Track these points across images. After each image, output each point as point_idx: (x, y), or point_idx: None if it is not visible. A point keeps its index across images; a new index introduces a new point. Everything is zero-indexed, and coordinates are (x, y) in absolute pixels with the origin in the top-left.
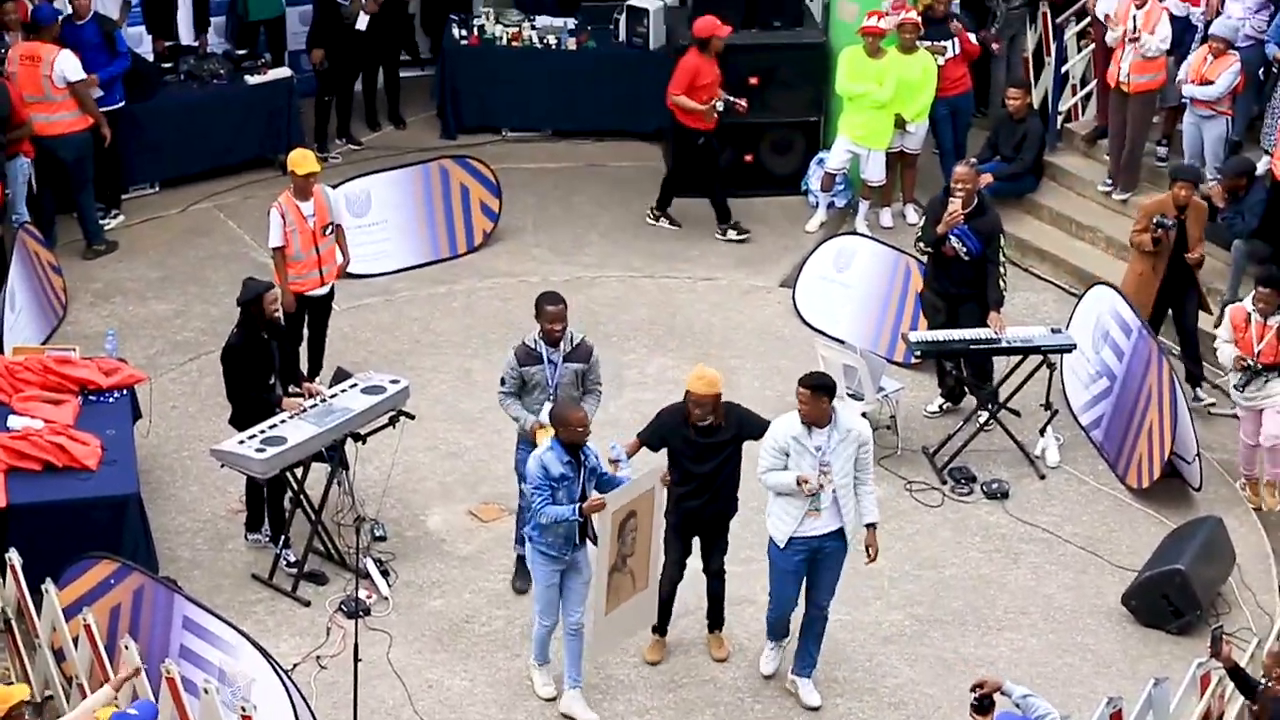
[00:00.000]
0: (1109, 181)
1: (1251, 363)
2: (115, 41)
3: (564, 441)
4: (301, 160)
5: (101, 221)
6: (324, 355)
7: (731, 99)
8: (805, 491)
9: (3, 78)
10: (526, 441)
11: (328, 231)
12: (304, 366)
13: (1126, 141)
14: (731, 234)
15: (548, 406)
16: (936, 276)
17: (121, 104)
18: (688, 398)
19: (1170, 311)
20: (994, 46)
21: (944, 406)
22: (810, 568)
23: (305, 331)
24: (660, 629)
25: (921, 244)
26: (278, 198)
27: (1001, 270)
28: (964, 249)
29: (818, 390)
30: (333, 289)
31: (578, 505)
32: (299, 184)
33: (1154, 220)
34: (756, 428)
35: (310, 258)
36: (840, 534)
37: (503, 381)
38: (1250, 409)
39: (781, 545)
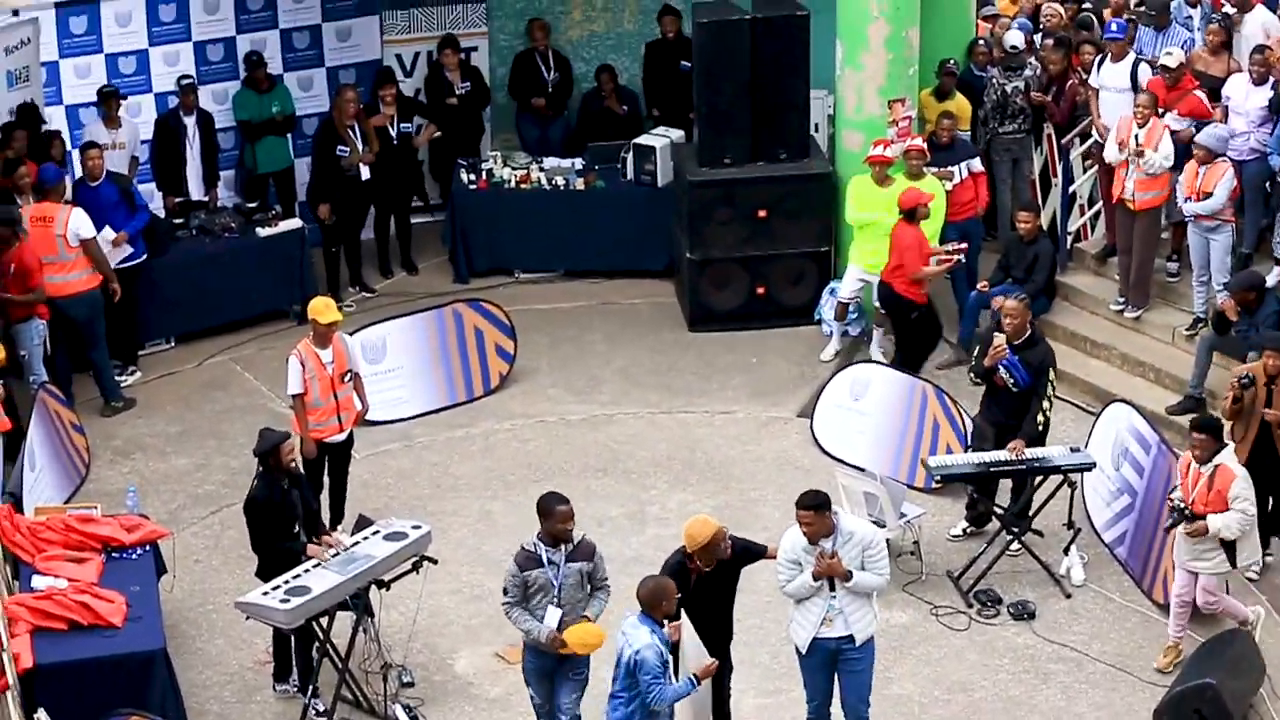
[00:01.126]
0: (1121, 299)
1: (1185, 508)
2: (133, 197)
3: (659, 619)
4: (324, 309)
5: (119, 378)
6: (345, 502)
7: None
8: (819, 567)
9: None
10: (534, 652)
11: (346, 379)
12: (325, 514)
13: (1135, 258)
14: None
15: (554, 613)
16: (987, 406)
17: (144, 258)
18: (702, 553)
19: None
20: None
21: (967, 530)
22: (838, 675)
23: (326, 479)
24: None
25: (972, 374)
26: (297, 345)
27: (1046, 405)
28: (1012, 380)
29: (820, 509)
30: (352, 435)
31: (693, 676)
32: (320, 332)
33: (1237, 379)
34: (758, 551)
35: (329, 405)
36: (853, 639)
37: (505, 591)
38: (1185, 569)
39: (804, 650)
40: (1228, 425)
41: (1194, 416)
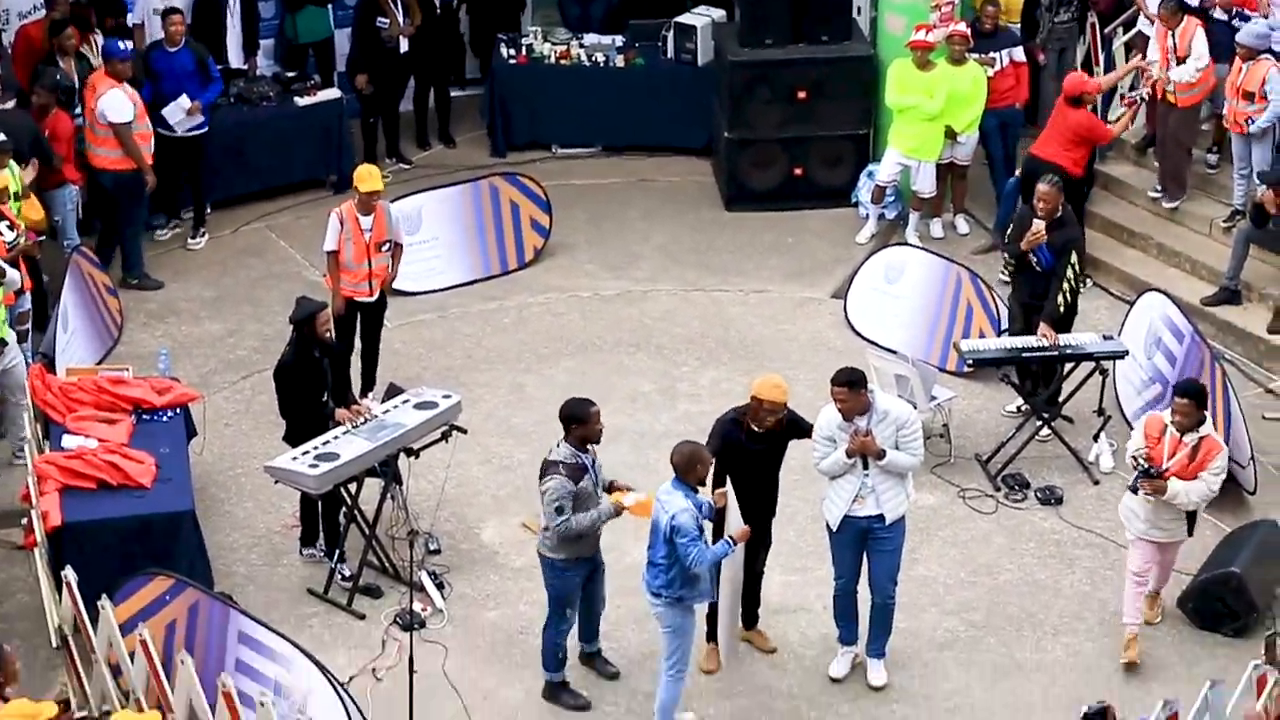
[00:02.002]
0: (1159, 189)
1: (1150, 467)
2: (208, 66)
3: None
4: (366, 176)
5: (165, 233)
6: (377, 369)
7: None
8: (853, 444)
9: (31, 112)
10: (570, 570)
11: (384, 248)
12: (356, 381)
13: (1173, 149)
14: None
15: (607, 499)
16: (1016, 286)
17: (206, 128)
18: (759, 405)
19: None
20: (1040, 57)
21: (1022, 408)
22: (867, 554)
23: (358, 342)
24: (711, 635)
25: (1005, 256)
26: (340, 205)
27: (1067, 285)
28: (1037, 261)
29: (854, 386)
30: (384, 299)
31: (730, 538)
32: (362, 199)
33: None
34: (807, 428)
35: (361, 270)
36: (883, 518)
37: (560, 510)
38: (1146, 541)
39: (835, 528)
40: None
41: (1179, 384)
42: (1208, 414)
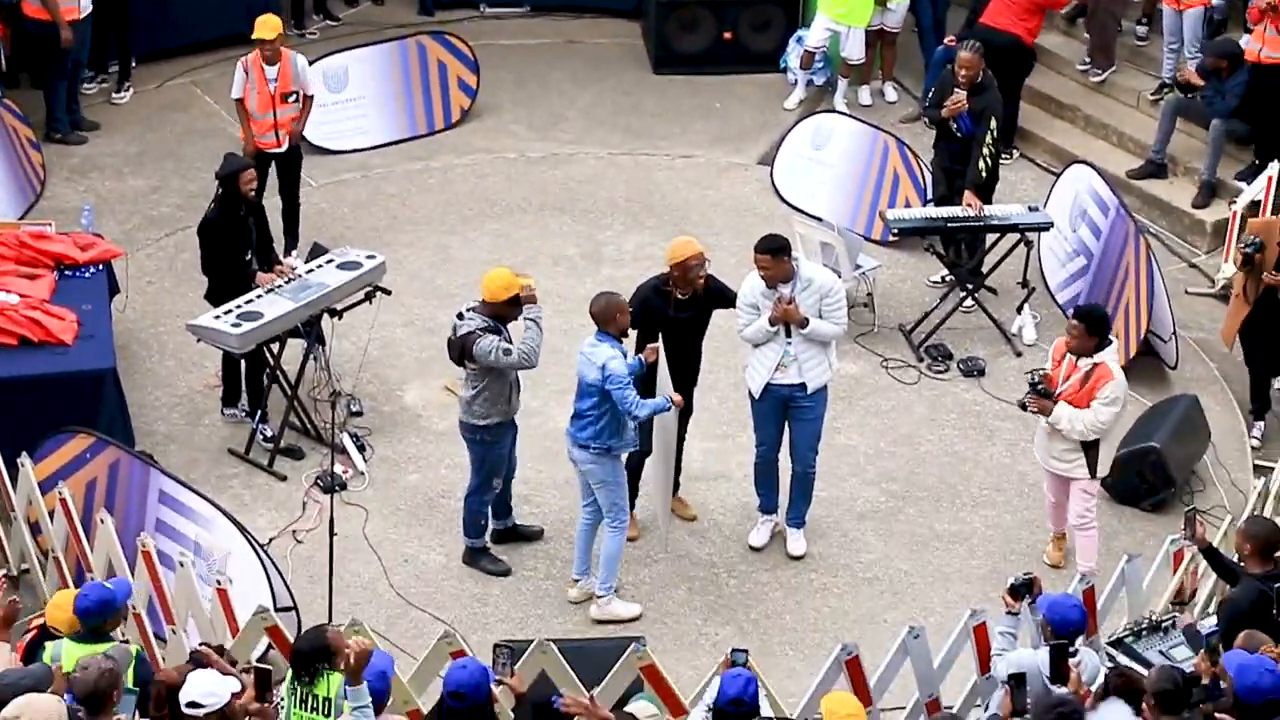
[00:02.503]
0: (1087, 60)
1: (1040, 384)
2: None
3: (616, 334)
4: (261, 25)
5: (90, 87)
6: (299, 225)
7: None
8: (775, 312)
9: None
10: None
11: (290, 99)
12: (280, 239)
13: (1101, 20)
14: None
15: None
16: (938, 150)
17: None
18: (685, 267)
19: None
20: None
21: (947, 278)
22: (789, 422)
23: (278, 200)
24: (630, 504)
25: (926, 120)
26: (248, 54)
27: (986, 151)
28: (957, 127)
29: (777, 253)
30: (297, 151)
31: (670, 396)
32: (263, 48)
33: (1244, 241)
34: (731, 297)
35: (266, 120)
36: (805, 387)
37: (507, 353)
38: (1050, 472)
39: (757, 395)
40: (1238, 285)
41: (1077, 306)
42: (1113, 340)
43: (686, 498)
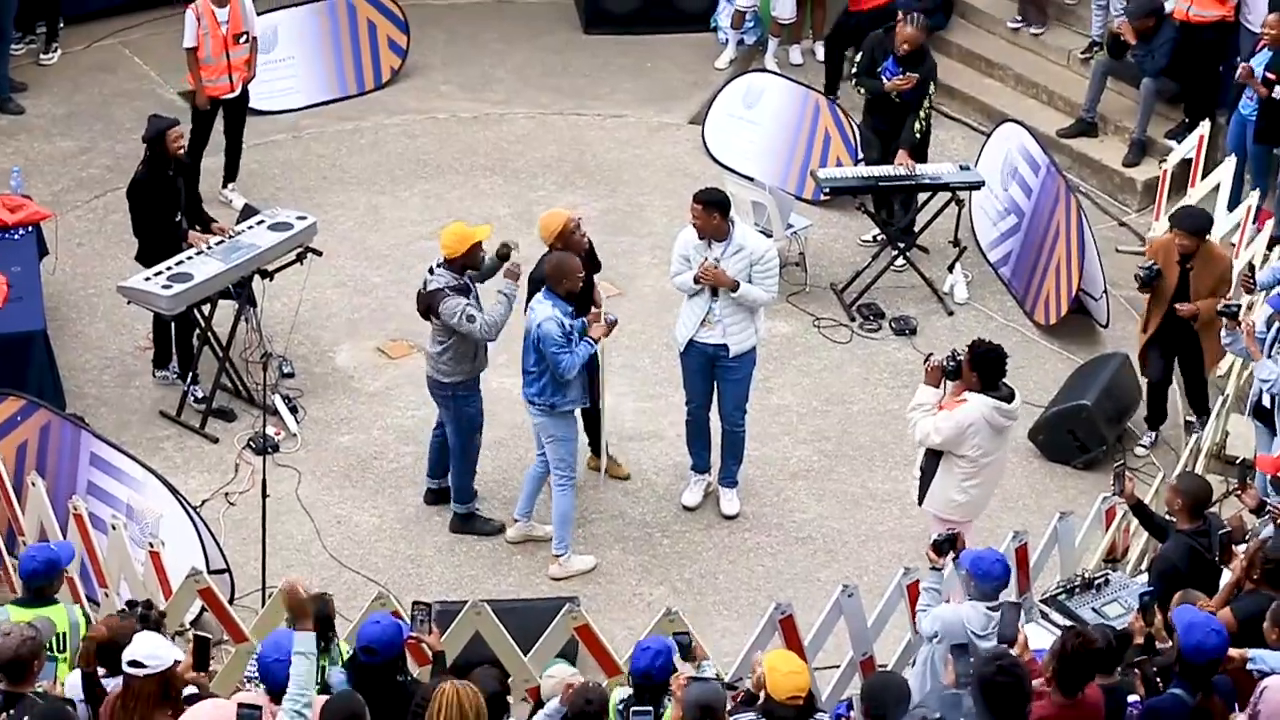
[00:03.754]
0: (1019, 19)
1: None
2: None
3: (564, 294)
4: None
5: (18, 49)
6: (240, 160)
7: None
8: (700, 271)
9: None
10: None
11: (241, 39)
12: (218, 176)
13: None
14: None
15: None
16: (870, 113)
17: None
18: (560, 241)
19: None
20: None
21: (878, 237)
22: (716, 381)
23: (223, 139)
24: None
25: (858, 86)
26: (196, 1)
27: (922, 115)
28: (896, 94)
29: (709, 206)
30: (246, 93)
31: (590, 339)
32: None
33: (1142, 268)
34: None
35: (220, 63)
36: (727, 349)
37: (471, 319)
38: None
39: (681, 348)
40: (1143, 306)
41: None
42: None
43: (619, 457)
